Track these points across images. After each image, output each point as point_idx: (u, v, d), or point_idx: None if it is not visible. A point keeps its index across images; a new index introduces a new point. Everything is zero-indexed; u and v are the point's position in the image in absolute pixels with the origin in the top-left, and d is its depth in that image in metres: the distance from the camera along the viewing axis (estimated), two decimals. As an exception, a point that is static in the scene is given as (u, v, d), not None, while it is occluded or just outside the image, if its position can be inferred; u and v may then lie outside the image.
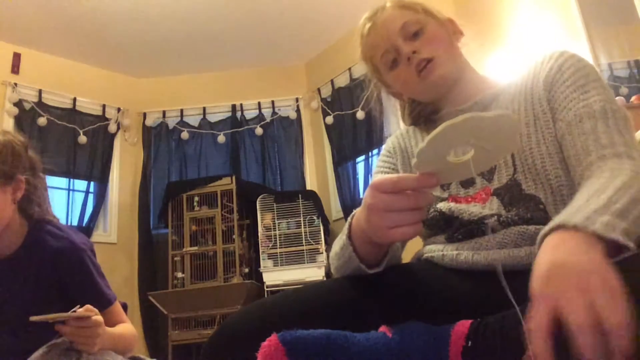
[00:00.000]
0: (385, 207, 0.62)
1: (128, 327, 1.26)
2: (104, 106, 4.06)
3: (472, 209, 0.82)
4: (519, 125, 0.76)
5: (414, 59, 0.90)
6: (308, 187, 4.08)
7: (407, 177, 0.61)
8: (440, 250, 0.84)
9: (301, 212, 3.60)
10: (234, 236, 3.58)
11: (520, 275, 0.73)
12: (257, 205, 3.62)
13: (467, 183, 0.87)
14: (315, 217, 3.58)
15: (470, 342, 0.58)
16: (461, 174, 0.65)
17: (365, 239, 0.70)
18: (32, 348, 1.06)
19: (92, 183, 3.93)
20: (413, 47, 0.90)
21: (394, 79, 0.97)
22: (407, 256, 0.95)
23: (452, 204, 0.85)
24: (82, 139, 3.86)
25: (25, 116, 3.66)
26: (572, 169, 0.77)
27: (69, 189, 3.80)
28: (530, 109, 0.85)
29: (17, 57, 3.71)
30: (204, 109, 4.30)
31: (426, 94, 0.97)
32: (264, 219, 3.61)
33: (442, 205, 0.87)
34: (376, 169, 1.05)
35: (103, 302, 1.21)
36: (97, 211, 3.85)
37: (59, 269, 1.18)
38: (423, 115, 1.02)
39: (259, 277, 3.50)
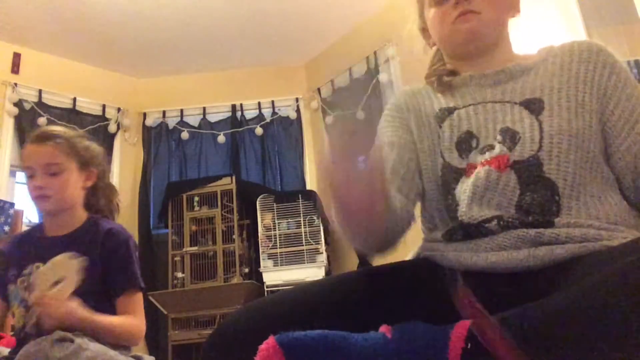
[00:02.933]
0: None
1: (128, 320, 1.30)
2: (104, 106, 4.06)
3: (474, 209, 0.80)
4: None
5: (461, 5, 0.88)
6: (308, 187, 4.07)
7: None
8: (439, 250, 0.84)
9: (301, 212, 3.59)
10: (234, 236, 3.58)
11: (518, 277, 0.73)
12: (257, 205, 3.62)
13: (485, 148, 0.84)
14: (315, 217, 3.57)
15: (469, 344, 0.58)
16: None
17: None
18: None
19: (92, 183, 3.93)
20: None
21: (433, 15, 0.94)
22: (406, 255, 0.95)
23: (462, 191, 0.82)
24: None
25: (25, 116, 3.65)
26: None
27: (69, 189, 3.79)
28: (573, 94, 0.84)
29: (17, 57, 3.71)
30: (204, 109, 4.29)
31: (450, 42, 0.94)
32: (264, 219, 3.61)
33: (458, 191, 0.84)
34: (384, 122, 1.00)
35: (135, 284, 1.35)
36: (97, 211, 3.85)
37: (107, 245, 1.33)
38: (438, 74, 0.99)
39: (259, 277, 3.50)
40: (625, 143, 0.82)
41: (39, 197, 1.31)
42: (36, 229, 1.43)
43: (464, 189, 0.83)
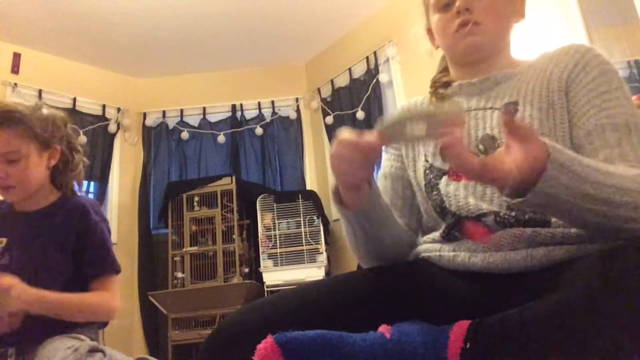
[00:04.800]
0: (340, 158, 0.73)
1: (97, 295, 1.26)
2: (104, 106, 4.06)
3: (471, 202, 0.81)
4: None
5: (463, 15, 0.89)
6: (308, 187, 4.08)
7: (368, 134, 0.71)
8: (437, 250, 0.84)
9: (301, 212, 3.59)
10: (234, 236, 3.58)
11: (516, 277, 0.73)
12: (257, 205, 3.62)
13: None
14: (315, 217, 3.58)
15: (468, 344, 0.58)
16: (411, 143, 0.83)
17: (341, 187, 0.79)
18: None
19: (92, 183, 3.93)
20: (469, 4, 0.89)
21: (436, 21, 0.96)
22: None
23: (451, 189, 0.84)
24: (82, 139, 3.85)
25: (25, 116, 3.65)
26: None
27: (69, 189, 3.79)
28: (545, 95, 0.84)
29: (17, 57, 3.71)
30: (204, 109, 4.29)
31: (451, 51, 0.96)
32: (264, 219, 3.61)
33: (442, 185, 0.86)
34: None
35: (114, 268, 1.31)
36: (97, 211, 3.85)
37: (84, 220, 1.28)
38: (436, 86, 1.02)
39: (259, 277, 3.50)
40: (582, 119, 0.80)
41: (1, 187, 1.24)
42: (3, 205, 1.37)
43: (454, 187, 0.85)
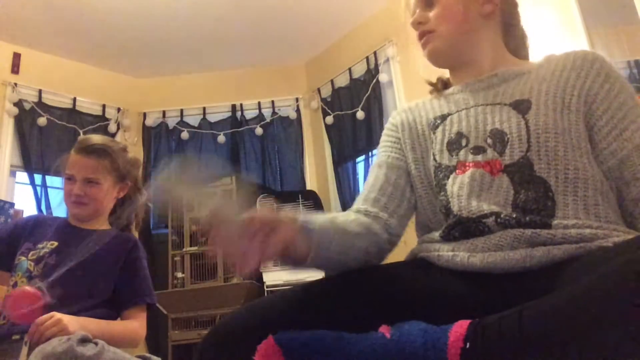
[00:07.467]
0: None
1: (128, 325, 1.36)
2: (104, 106, 4.06)
3: (472, 203, 0.81)
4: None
5: (418, 29, 0.97)
6: (308, 187, 4.07)
7: None
8: (435, 250, 0.84)
9: (301, 212, 3.59)
10: (234, 236, 3.57)
11: (515, 277, 0.73)
12: (257, 205, 3.62)
13: (478, 150, 0.86)
14: (315, 217, 3.57)
15: (468, 344, 0.58)
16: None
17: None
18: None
19: (92, 183, 3.92)
20: (421, 18, 0.96)
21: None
22: (403, 254, 0.95)
23: (456, 188, 0.84)
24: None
25: (25, 116, 3.65)
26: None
27: (69, 189, 3.78)
28: (560, 97, 0.85)
29: (17, 57, 3.71)
30: (204, 109, 4.29)
31: (429, 61, 1.01)
32: (264, 219, 3.60)
33: (449, 186, 0.86)
34: (381, 143, 1.06)
35: (152, 298, 1.42)
36: (97, 211, 3.85)
37: (134, 253, 1.45)
38: (437, 87, 1.06)
39: (259, 277, 3.50)
40: (610, 147, 0.82)
41: (75, 202, 1.42)
42: (59, 218, 1.53)
43: (458, 185, 0.85)
